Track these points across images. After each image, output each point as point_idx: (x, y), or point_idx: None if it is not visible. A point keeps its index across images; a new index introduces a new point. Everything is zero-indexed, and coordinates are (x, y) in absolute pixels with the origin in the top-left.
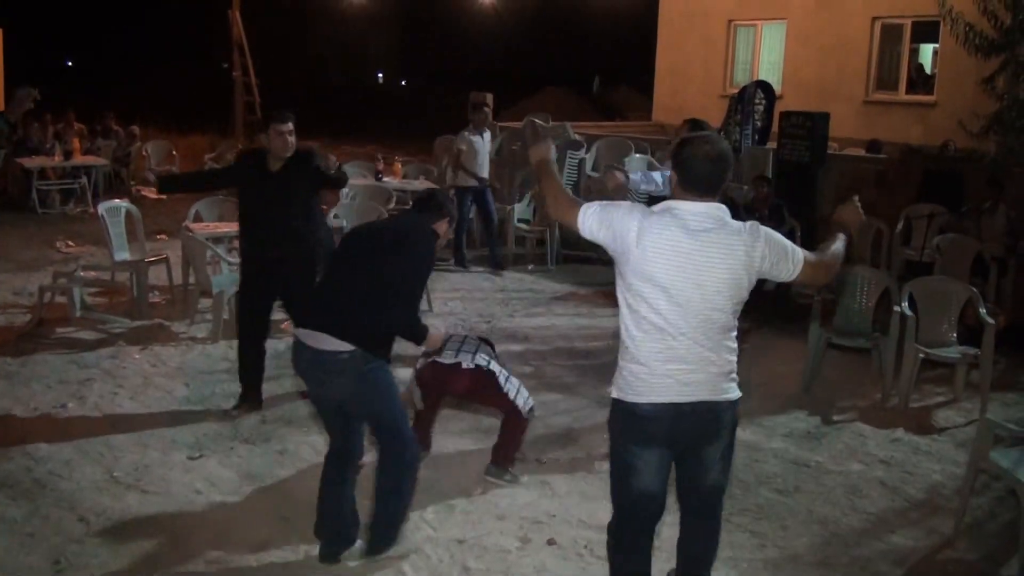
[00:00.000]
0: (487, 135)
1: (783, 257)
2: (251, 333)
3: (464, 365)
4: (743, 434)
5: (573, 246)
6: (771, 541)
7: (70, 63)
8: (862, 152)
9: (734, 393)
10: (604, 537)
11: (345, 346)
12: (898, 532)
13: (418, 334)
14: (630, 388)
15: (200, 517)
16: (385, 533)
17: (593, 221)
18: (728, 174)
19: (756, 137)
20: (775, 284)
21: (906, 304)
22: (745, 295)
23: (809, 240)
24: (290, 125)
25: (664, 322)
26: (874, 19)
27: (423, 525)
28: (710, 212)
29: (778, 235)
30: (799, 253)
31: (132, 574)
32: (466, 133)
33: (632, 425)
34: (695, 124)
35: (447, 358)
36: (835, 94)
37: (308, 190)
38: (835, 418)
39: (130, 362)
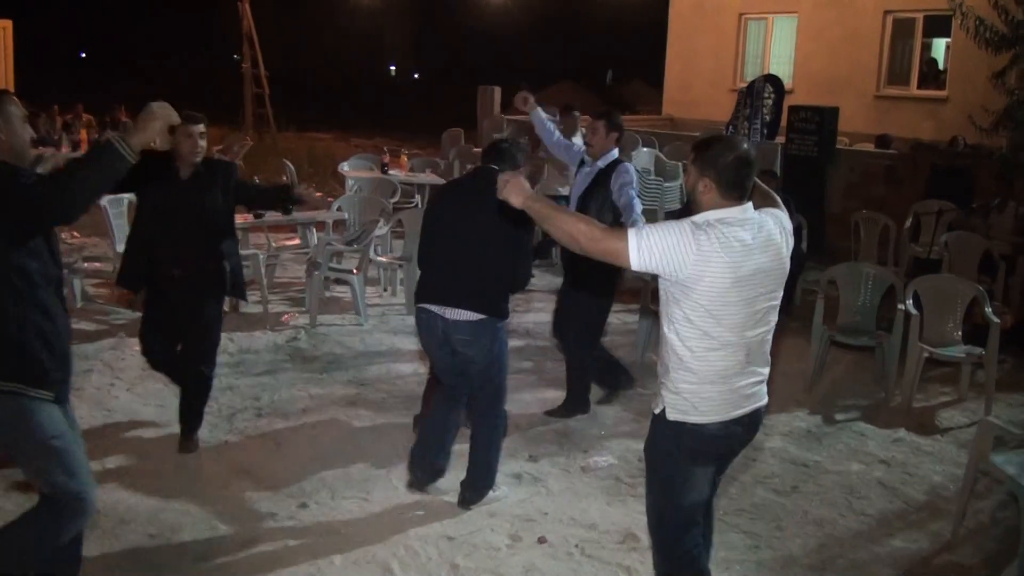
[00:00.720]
0: (578, 142)
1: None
2: (163, 369)
3: None
4: None
5: None
6: (765, 542)
7: (84, 55)
8: (872, 147)
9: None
10: (595, 536)
11: (477, 315)
12: (896, 535)
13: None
14: (695, 409)
15: (188, 511)
16: (482, 483)
17: (647, 256)
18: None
19: (764, 131)
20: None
21: (911, 302)
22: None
23: (818, 236)
24: (202, 127)
25: (734, 337)
26: (886, 12)
27: (412, 521)
28: (749, 216)
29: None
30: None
31: (121, 566)
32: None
33: (697, 446)
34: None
35: None
36: (846, 88)
37: (223, 204)
38: (836, 417)
39: (130, 354)
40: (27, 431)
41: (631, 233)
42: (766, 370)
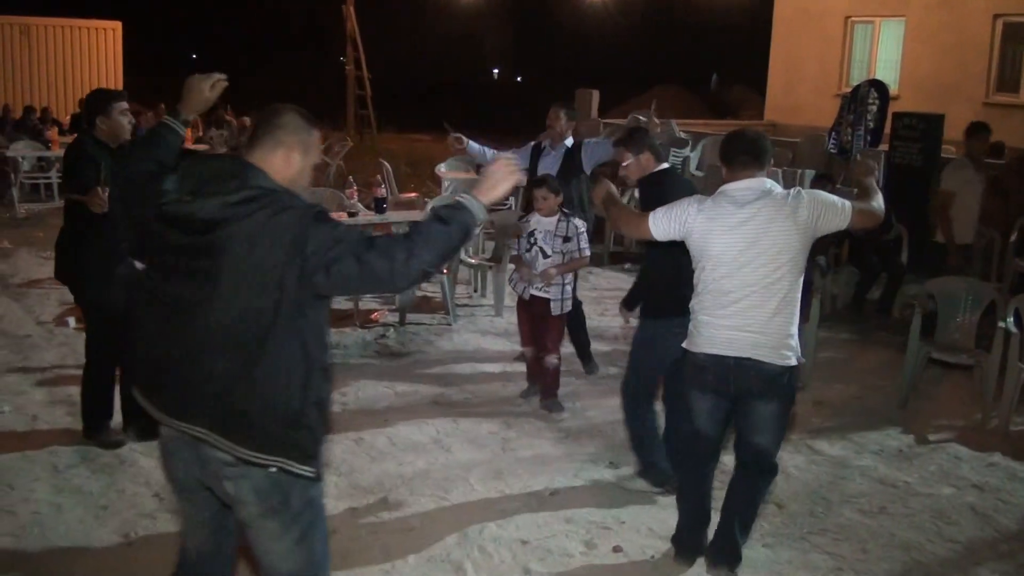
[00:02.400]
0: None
1: (832, 210)
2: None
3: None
4: (831, 449)
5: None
6: (849, 564)
7: (195, 56)
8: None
9: (789, 360)
10: (671, 547)
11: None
12: (985, 564)
13: None
14: (690, 340)
15: None
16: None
17: (662, 223)
18: (762, 153)
19: (868, 138)
20: (879, 294)
21: (1012, 320)
22: (802, 258)
23: (919, 250)
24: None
25: (724, 286)
26: (995, 16)
27: (488, 523)
28: (752, 186)
29: (823, 193)
30: (848, 204)
31: None
32: None
33: (692, 372)
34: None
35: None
36: (954, 95)
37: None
38: (930, 437)
39: None
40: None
41: (651, 214)
42: (771, 330)
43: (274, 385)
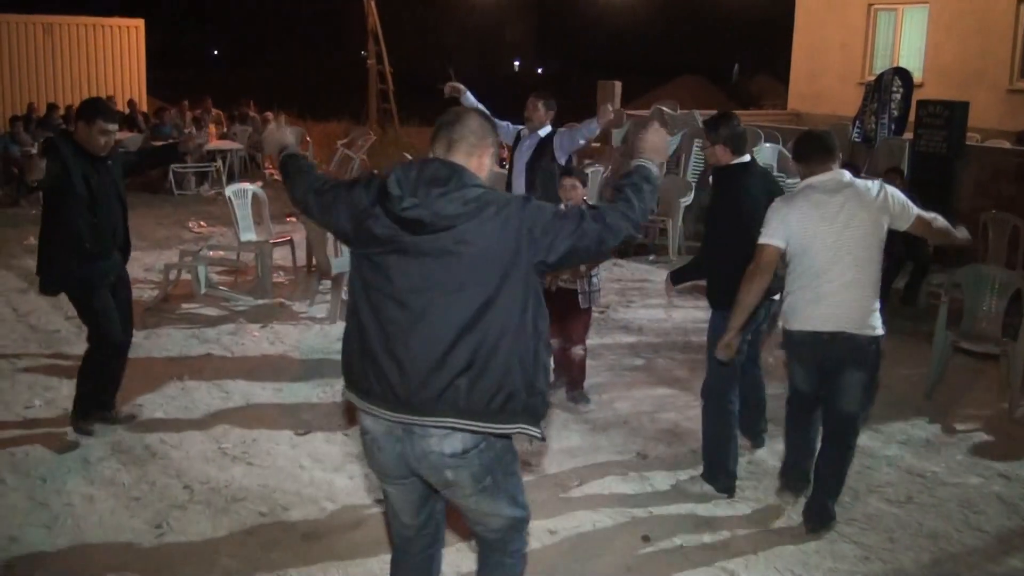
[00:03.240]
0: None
1: (904, 209)
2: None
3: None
4: (858, 439)
5: (698, 236)
6: (876, 554)
7: (216, 52)
8: (1006, 144)
9: (877, 331)
10: (700, 538)
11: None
12: (1014, 553)
13: None
14: (787, 319)
15: (301, 492)
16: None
17: (777, 239)
18: (834, 147)
19: (892, 127)
20: (904, 283)
21: None
22: (883, 236)
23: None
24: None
25: (822, 269)
26: (1020, 1)
27: None
28: (834, 177)
29: (896, 190)
30: (914, 210)
31: (231, 542)
32: None
33: (791, 347)
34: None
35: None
36: (979, 82)
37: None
38: (956, 427)
39: (249, 339)
40: None
41: (762, 244)
42: (859, 304)
43: (515, 361)
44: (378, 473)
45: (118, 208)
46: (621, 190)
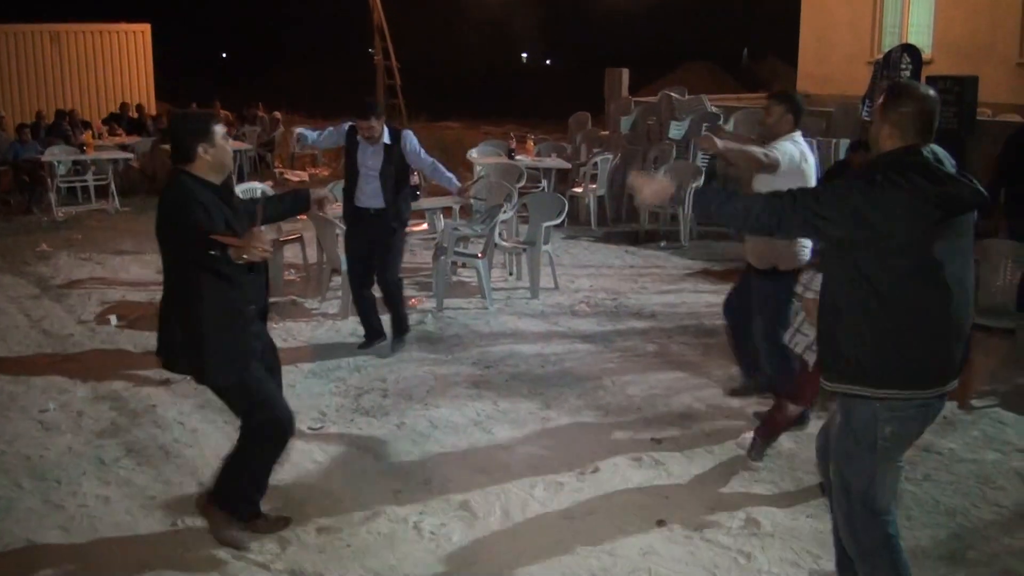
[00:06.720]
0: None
1: None
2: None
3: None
4: None
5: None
6: None
7: (224, 55)
8: (1018, 118)
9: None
10: (715, 520)
11: None
12: None
13: None
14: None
15: (315, 485)
16: None
17: None
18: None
19: None
20: None
21: None
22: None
23: None
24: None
25: None
26: None
27: (531, 501)
28: None
29: None
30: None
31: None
32: None
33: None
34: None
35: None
36: (988, 57)
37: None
38: (973, 403)
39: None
40: None
41: None
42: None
43: None
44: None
45: None
46: None
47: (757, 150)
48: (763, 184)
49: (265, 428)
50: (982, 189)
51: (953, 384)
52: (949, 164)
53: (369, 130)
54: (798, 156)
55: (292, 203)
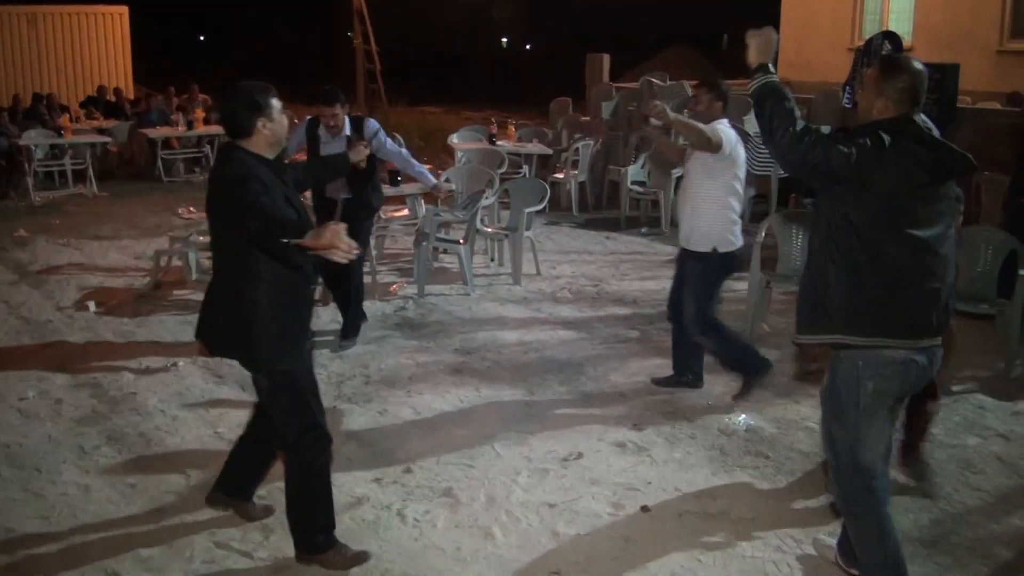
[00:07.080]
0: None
1: None
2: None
3: None
4: None
5: None
6: None
7: (202, 38)
8: (998, 106)
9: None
10: (698, 506)
11: None
12: (1015, 512)
13: None
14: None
15: None
16: None
17: None
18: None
19: None
20: None
21: None
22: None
23: None
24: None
25: None
26: None
27: (515, 488)
28: None
29: None
30: None
31: (228, 526)
32: None
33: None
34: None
35: None
36: (968, 44)
37: None
38: (953, 388)
39: None
40: None
41: None
42: None
43: None
44: (888, 401)
45: None
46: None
47: (705, 127)
48: (698, 165)
49: (307, 438)
50: (970, 156)
51: (929, 343)
52: (937, 132)
53: (333, 118)
54: (734, 140)
55: (333, 165)
